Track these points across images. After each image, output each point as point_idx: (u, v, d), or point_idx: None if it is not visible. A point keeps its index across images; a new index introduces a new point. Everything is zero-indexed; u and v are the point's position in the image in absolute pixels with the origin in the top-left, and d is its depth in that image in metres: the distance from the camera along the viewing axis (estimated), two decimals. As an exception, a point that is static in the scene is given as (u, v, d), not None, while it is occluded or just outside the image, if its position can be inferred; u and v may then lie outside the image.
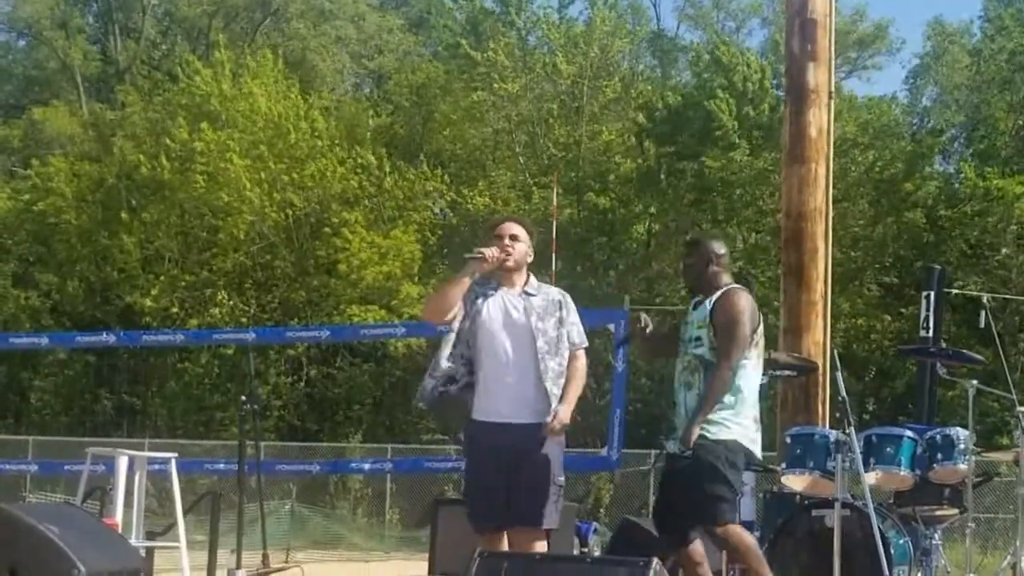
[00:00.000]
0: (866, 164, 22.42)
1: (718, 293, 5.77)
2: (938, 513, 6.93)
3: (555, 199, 16.85)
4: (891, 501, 6.76)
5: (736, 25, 32.52)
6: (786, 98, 8.52)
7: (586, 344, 5.83)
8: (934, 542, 6.88)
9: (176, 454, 7.93)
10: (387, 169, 26.72)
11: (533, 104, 28.57)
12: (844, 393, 5.96)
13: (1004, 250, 19.11)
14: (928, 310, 8.61)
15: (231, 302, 26.96)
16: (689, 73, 30.93)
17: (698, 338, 5.78)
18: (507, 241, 5.72)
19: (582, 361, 5.73)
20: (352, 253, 26.16)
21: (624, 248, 25.70)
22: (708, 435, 5.62)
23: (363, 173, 26.69)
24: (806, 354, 8.19)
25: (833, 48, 8.51)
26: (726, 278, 5.85)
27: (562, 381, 5.63)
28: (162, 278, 27.28)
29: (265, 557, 7.96)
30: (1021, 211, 19.32)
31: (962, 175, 20.88)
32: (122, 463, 7.32)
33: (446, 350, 5.73)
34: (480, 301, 5.68)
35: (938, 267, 8.83)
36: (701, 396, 5.69)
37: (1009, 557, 6.93)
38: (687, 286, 6.15)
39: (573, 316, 5.78)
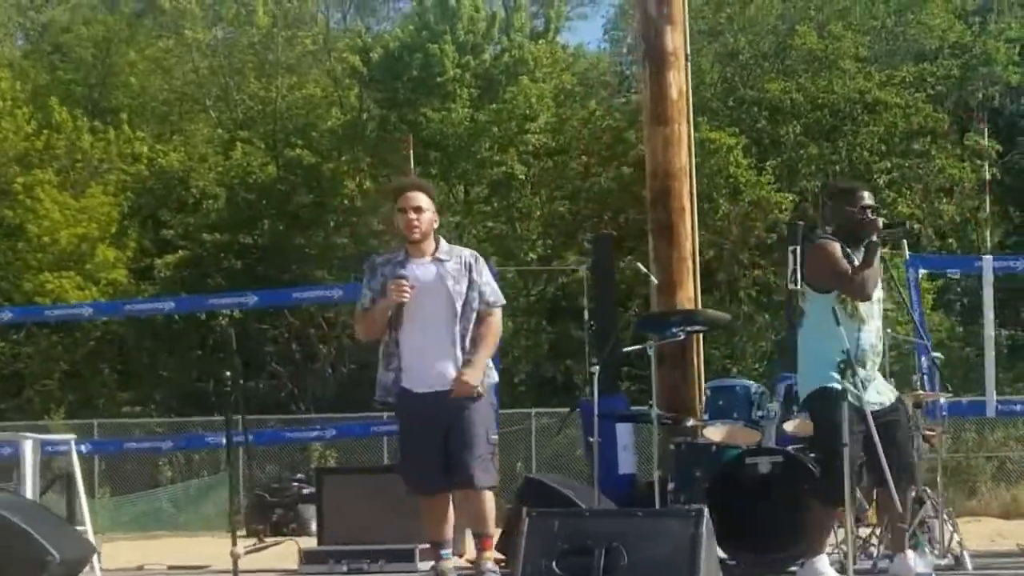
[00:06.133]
0: (586, 116, 22.92)
1: None
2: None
3: (412, 169, 16.07)
4: (804, 447, 7.18)
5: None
6: (644, 61, 8.77)
7: (502, 302, 5.96)
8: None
9: (74, 436, 7.83)
10: (83, 128, 25.19)
11: (224, 55, 27.61)
12: None
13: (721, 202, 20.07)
14: (795, 264, 9.08)
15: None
16: (390, 24, 30.68)
17: None
18: (411, 215, 5.79)
19: (496, 319, 5.88)
20: (43, 215, 24.61)
21: (333, 205, 25.26)
22: None
23: (52, 132, 25.05)
24: (679, 308, 8.52)
25: (686, 10, 8.82)
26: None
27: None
28: None
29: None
30: (734, 163, 20.35)
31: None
32: (27, 446, 7.00)
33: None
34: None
35: (802, 223, 9.38)
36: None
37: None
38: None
39: (486, 276, 5.91)
